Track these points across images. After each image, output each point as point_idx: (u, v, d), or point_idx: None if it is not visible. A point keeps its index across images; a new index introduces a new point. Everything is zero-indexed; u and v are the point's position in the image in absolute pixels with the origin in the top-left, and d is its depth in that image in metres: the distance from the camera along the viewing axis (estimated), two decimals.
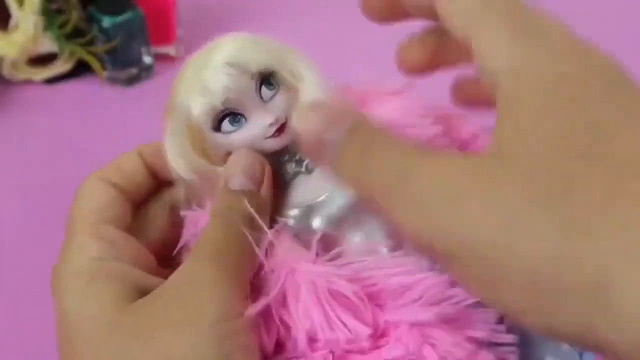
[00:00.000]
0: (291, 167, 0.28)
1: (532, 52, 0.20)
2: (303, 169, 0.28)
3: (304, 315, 0.24)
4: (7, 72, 0.53)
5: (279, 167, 0.28)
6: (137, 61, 0.53)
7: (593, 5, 0.65)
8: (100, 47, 0.52)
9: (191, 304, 0.23)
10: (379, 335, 0.24)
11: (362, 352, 0.24)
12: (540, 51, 0.20)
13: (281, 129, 0.27)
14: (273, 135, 0.27)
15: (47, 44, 0.52)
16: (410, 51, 0.28)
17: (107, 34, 0.51)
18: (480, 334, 0.25)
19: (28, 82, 0.54)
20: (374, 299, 0.25)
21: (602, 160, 0.17)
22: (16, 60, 0.52)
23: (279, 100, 0.27)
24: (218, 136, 0.26)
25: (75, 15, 0.52)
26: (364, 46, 0.59)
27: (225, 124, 0.26)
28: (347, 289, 0.24)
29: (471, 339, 0.25)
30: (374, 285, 0.25)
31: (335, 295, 0.24)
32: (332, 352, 0.24)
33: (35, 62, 0.53)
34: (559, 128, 0.18)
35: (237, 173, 0.26)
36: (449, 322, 0.25)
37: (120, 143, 0.50)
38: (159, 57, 0.56)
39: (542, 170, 0.18)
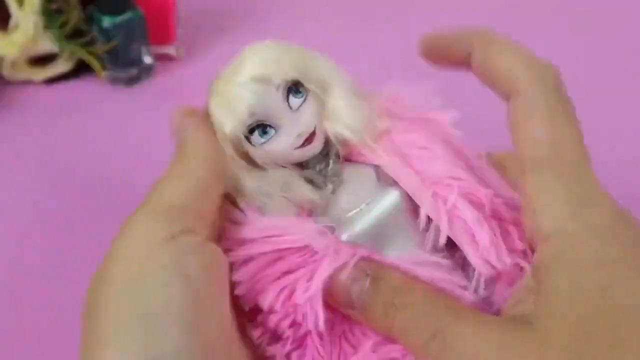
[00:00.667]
0: (320, 179, 0.28)
1: (581, 226, 0.22)
2: (331, 182, 0.28)
3: None
4: (7, 72, 0.53)
5: (310, 178, 0.28)
6: (137, 61, 0.53)
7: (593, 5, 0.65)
8: (100, 47, 0.52)
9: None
10: None
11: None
12: (588, 226, 0.22)
13: (310, 138, 0.27)
14: (302, 145, 0.27)
15: (47, 44, 0.52)
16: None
17: (107, 34, 0.51)
18: None
19: (28, 82, 0.54)
20: None
21: (627, 347, 0.20)
22: (16, 60, 0.52)
23: (308, 108, 0.28)
24: (251, 148, 0.27)
25: (75, 16, 0.52)
26: (364, 46, 0.59)
27: (256, 136, 0.27)
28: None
29: None
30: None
31: None
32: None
33: (35, 62, 0.53)
34: (591, 314, 0.20)
35: None
36: None
37: (120, 143, 0.50)
38: (159, 57, 0.56)
39: (571, 355, 0.20)
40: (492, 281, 0.26)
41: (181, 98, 0.42)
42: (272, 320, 0.26)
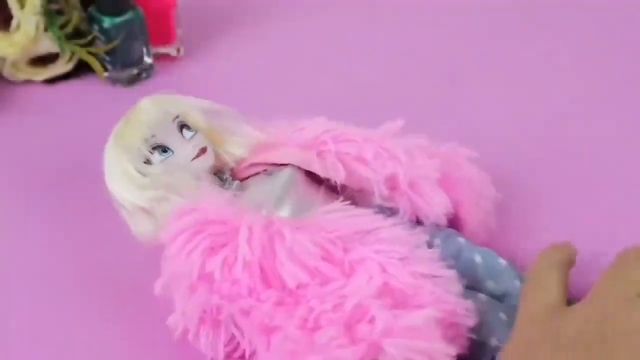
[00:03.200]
0: (229, 182, 0.37)
1: None
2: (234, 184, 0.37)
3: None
4: (8, 72, 0.53)
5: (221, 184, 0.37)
6: (138, 61, 0.54)
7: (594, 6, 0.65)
8: (101, 48, 0.52)
9: None
10: (348, 272, 0.31)
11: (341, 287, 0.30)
12: None
13: (204, 149, 0.37)
14: (197, 156, 0.36)
15: (48, 45, 0.52)
16: None
17: (107, 34, 0.51)
18: (426, 269, 0.31)
19: (29, 82, 0.54)
20: (343, 243, 0.31)
21: None
22: (17, 60, 0.52)
23: (199, 136, 0.37)
24: (152, 168, 0.36)
25: (75, 16, 0.52)
26: (363, 47, 0.59)
27: (156, 155, 0.36)
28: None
29: (418, 273, 0.30)
30: (337, 232, 0.32)
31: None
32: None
33: (36, 63, 0.54)
34: None
35: None
36: (402, 259, 0.31)
37: None
38: (160, 58, 0.56)
39: None
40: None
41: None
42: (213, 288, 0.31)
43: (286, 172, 0.36)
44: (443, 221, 0.36)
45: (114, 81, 0.54)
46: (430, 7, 0.65)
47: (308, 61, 0.57)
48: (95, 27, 0.52)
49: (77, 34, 0.53)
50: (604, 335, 0.24)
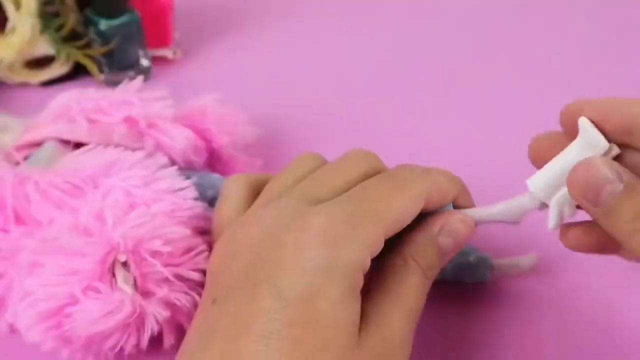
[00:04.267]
0: None
1: None
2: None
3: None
4: (3, 74, 0.53)
5: None
6: (134, 64, 0.53)
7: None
8: (97, 50, 0.52)
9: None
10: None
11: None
12: None
13: None
14: None
15: (44, 47, 0.52)
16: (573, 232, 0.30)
17: (104, 36, 0.51)
18: (166, 185, 0.34)
19: (25, 84, 0.54)
20: (92, 180, 0.34)
21: None
22: (13, 63, 0.52)
23: None
24: None
25: (72, 18, 0.52)
26: (362, 47, 0.59)
27: None
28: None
29: (159, 190, 0.34)
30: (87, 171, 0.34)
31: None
32: None
33: (32, 65, 0.53)
34: None
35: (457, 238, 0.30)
36: (144, 181, 0.34)
37: None
38: (156, 60, 0.56)
39: None
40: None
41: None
42: None
43: (46, 147, 0.37)
44: (193, 159, 0.40)
45: (110, 84, 0.54)
46: (427, 12, 0.65)
47: (305, 64, 0.57)
48: (92, 29, 0.52)
49: (73, 36, 0.53)
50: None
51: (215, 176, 0.38)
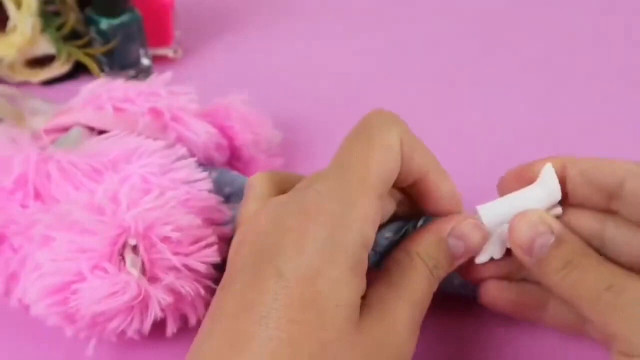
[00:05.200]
0: None
1: None
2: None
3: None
4: (4, 74, 0.53)
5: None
6: (135, 63, 0.53)
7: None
8: (98, 49, 0.52)
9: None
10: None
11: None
12: None
13: None
14: None
15: (45, 46, 0.52)
16: (500, 291, 0.33)
17: (104, 36, 0.51)
18: (183, 175, 0.34)
19: (25, 83, 0.54)
20: (113, 165, 0.34)
21: None
22: (14, 62, 0.52)
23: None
24: None
25: (72, 17, 0.52)
26: (361, 46, 0.59)
27: None
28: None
29: (176, 179, 0.34)
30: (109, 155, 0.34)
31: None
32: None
33: (33, 64, 0.53)
34: None
35: (469, 245, 0.30)
36: (162, 169, 0.34)
37: None
38: (157, 59, 0.56)
39: None
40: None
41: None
42: None
43: (73, 132, 0.38)
44: (215, 155, 0.40)
45: None
46: (428, 11, 0.65)
47: (306, 62, 0.57)
48: (92, 28, 0.52)
49: (74, 35, 0.53)
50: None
51: (234, 174, 0.38)
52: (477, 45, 0.60)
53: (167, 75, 0.42)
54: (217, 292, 0.27)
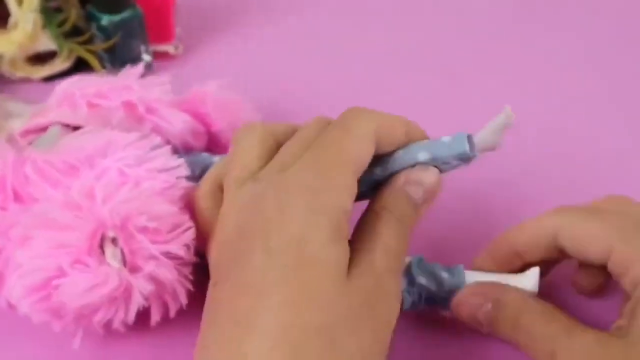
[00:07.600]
0: None
1: None
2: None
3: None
4: (5, 70, 0.53)
5: None
6: (136, 59, 0.53)
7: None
8: (99, 46, 0.52)
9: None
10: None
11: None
12: None
13: None
14: None
15: (46, 42, 0.52)
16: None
17: (105, 32, 0.51)
18: (159, 164, 0.34)
19: (27, 80, 0.54)
20: (88, 160, 0.34)
21: None
22: (15, 58, 0.52)
23: None
24: None
25: (74, 14, 0.52)
26: (360, 45, 0.59)
27: None
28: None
29: (152, 169, 0.34)
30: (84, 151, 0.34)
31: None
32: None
33: (34, 60, 0.53)
34: None
35: (426, 187, 0.31)
36: (138, 160, 0.34)
37: None
38: (158, 56, 0.56)
39: None
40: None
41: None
42: None
43: (50, 131, 0.38)
44: (192, 142, 0.41)
45: None
46: (428, 6, 0.65)
47: (307, 59, 0.57)
48: (94, 24, 0.52)
49: (75, 31, 0.53)
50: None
51: (205, 154, 0.39)
52: (479, 39, 0.59)
53: (139, 68, 0.42)
54: (210, 285, 0.28)
